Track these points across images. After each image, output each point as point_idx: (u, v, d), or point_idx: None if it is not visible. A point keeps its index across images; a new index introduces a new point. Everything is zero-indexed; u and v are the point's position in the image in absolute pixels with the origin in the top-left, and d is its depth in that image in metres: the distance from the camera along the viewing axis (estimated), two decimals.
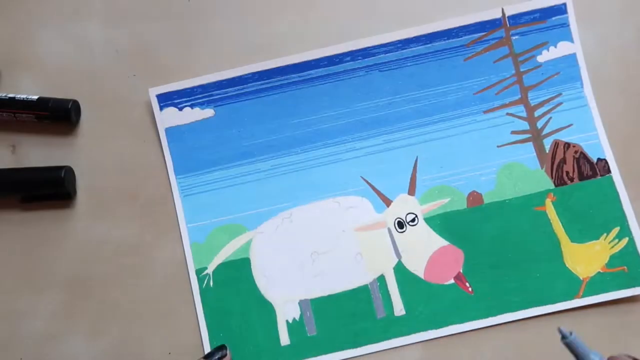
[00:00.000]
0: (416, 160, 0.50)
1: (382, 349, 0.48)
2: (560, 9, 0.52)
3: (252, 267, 0.49)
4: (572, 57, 0.51)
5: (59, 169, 0.49)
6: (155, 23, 0.53)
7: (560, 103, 0.51)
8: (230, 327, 0.48)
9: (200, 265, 0.49)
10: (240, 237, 0.50)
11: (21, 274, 0.50)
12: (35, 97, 0.50)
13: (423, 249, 0.49)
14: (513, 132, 0.51)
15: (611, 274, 0.48)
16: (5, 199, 0.51)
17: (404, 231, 0.49)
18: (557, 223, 0.49)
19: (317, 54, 0.51)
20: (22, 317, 0.49)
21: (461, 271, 0.49)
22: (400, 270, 0.49)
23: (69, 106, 0.50)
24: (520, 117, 0.51)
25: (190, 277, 0.49)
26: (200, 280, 0.49)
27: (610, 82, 0.51)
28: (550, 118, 0.51)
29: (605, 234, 0.49)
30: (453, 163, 0.50)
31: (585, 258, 0.49)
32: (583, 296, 0.48)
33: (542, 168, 0.50)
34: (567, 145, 0.50)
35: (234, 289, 0.49)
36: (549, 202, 0.50)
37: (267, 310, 0.49)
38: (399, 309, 0.48)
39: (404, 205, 0.50)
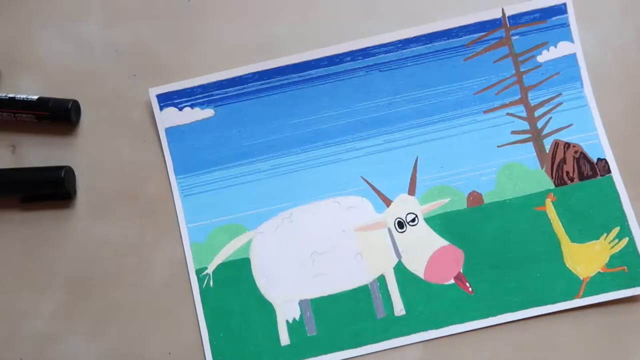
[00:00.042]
0: (416, 160, 0.50)
1: (382, 349, 0.48)
2: (560, 9, 0.52)
3: (252, 267, 0.49)
4: (572, 57, 0.51)
5: (59, 169, 0.49)
6: (155, 23, 0.53)
7: (560, 103, 0.51)
8: (230, 327, 0.48)
9: (200, 265, 0.49)
10: (240, 237, 0.50)
11: (21, 274, 0.50)
12: (35, 97, 0.50)
13: (423, 249, 0.49)
14: (513, 132, 0.51)
15: (611, 274, 0.48)
16: (5, 199, 0.51)
17: (404, 231, 0.49)
18: (557, 223, 0.49)
19: (317, 54, 0.51)
20: (22, 317, 0.49)
21: (461, 271, 0.49)
22: (400, 270, 0.49)
23: (69, 106, 0.50)
24: (520, 117, 0.51)
25: (190, 277, 0.49)
26: (200, 280, 0.49)
27: (610, 82, 0.51)
28: (550, 118, 0.51)
29: (605, 234, 0.49)
30: (453, 163, 0.50)
31: (586, 258, 0.49)
32: (583, 296, 0.48)
33: (542, 168, 0.50)
34: (567, 145, 0.50)
35: (234, 289, 0.49)
36: (549, 202, 0.50)
37: (267, 310, 0.49)
38: (399, 309, 0.48)
39: (404, 205, 0.50)
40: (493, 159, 0.50)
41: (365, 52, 0.51)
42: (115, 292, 0.49)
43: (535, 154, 0.50)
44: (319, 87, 0.51)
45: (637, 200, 0.49)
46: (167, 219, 0.50)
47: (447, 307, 0.48)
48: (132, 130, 0.52)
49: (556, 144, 0.51)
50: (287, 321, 0.48)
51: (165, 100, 0.51)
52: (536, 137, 0.51)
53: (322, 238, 0.50)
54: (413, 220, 0.50)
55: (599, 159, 0.50)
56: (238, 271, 0.49)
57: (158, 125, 0.51)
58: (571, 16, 0.52)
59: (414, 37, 0.51)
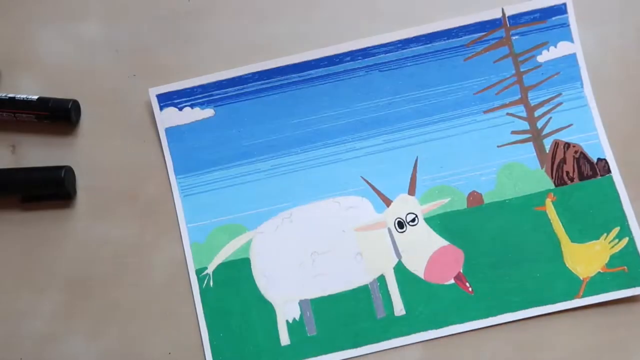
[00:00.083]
0: (416, 160, 0.50)
1: (382, 349, 0.48)
2: (560, 9, 0.52)
3: (252, 267, 0.49)
4: (572, 57, 0.51)
5: (59, 169, 0.49)
6: (155, 23, 0.53)
7: (560, 103, 0.51)
8: (230, 327, 0.48)
9: (200, 265, 0.49)
10: (240, 237, 0.50)
11: (21, 274, 0.50)
12: (35, 97, 0.50)
13: (423, 249, 0.49)
14: (513, 132, 0.51)
15: (611, 274, 0.48)
16: (5, 199, 0.51)
17: (404, 231, 0.49)
18: (557, 223, 0.49)
19: (317, 54, 0.51)
20: (22, 317, 0.49)
21: (461, 271, 0.49)
22: (400, 270, 0.49)
23: (69, 106, 0.50)
24: (520, 117, 0.51)
25: (190, 277, 0.49)
26: (200, 280, 0.49)
27: (610, 82, 0.51)
28: (550, 118, 0.51)
29: (605, 234, 0.49)
30: (453, 163, 0.50)
31: (586, 258, 0.49)
32: (583, 296, 0.48)
33: (542, 168, 0.50)
34: (567, 145, 0.50)
35: (234, 289, 0.49)
36: (549, 202, 0.50)
37: (267, 310, 0.49)
38: (399, 309, 0.48)
39: (404, 205, 0.50)
40: (493, 159, 0.50)
41: (365, 52, 0.51)
42: (115, 292, 0.49)
43: (535, 154, 0.50)
44: (318, 87, 0.51)
45: (637, 200, 0.49)
46: (167, 219, 0.50)
47: (447, 307, 0.48)
48: (132, 130, 0.52)
49: (556, 144, 0.51)
50: (287, 321, 0.48)
51: (165, 100, 0.51)
52: (536, 137, 0.51)
53: (322, 238, 0.50)
54: (413, 220, 0.50)
55: (599, 159, 0.50)
56: (238, 271, 0.49)
57: (158, 125, 0.51)
58: (571, 16, 0.52)
59: (414, 37, 0.51)
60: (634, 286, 0.48)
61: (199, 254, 0.50)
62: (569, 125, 0.51)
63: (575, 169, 0.50)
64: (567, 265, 0.48)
